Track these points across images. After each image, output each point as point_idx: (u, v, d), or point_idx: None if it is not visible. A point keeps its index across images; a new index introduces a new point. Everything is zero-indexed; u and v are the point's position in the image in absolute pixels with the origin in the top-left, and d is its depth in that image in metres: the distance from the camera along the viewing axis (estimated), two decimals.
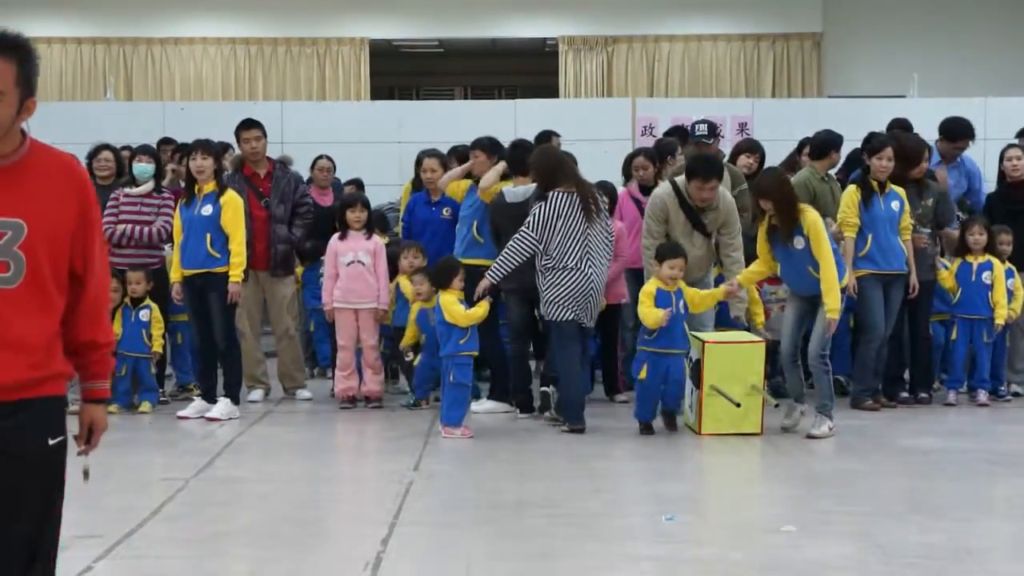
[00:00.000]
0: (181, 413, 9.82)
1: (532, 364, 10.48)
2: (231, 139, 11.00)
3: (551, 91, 21.01)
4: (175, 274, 9.85)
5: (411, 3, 20.80)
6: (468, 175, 10.39)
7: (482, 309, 9.09)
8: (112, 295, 8.98)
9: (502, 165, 10.06)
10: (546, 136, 11.37)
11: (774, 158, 11.69)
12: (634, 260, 10.20)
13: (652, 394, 8.99)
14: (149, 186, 10.48)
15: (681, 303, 9.02)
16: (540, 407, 9.71)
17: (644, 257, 9.69)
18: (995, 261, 10.42)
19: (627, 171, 11.47)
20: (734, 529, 6.72)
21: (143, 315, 10.08)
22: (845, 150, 11.19)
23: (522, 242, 9.12)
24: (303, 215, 10.67)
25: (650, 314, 8.90)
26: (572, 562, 5.96)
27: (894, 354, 10.27)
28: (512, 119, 14.46)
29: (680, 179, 9.70)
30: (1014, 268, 10.48)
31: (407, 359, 10.21)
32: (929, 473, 8.05)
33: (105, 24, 20.77)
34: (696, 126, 10.61)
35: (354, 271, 10.19)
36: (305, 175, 11.84)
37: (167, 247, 10.39)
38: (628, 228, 10.40)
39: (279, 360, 10.82)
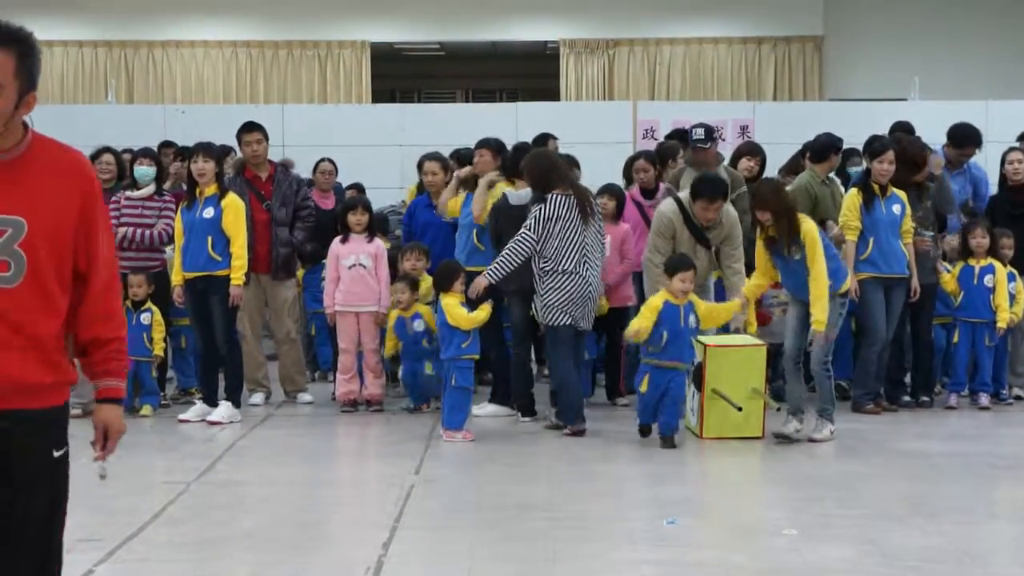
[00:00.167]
0: (182, 416, 9.83)
1: (534, 368, 10.48)
2: (232, 142, 11.00)
3: (552, 94, 21.01)
4: (176, 277, 9.85)
5: (412, 6, 20.81)
6: (465, 182, 10.37)
7: (484, 312, 9.09)
8: None
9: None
10: (543, 138, 11.39)
11: (775, 161, 11.69)
12: (637, 264, 10.20)
13: (650, 407, 8.83)
14: (150, 189, 10.48)
15: (691, 317, 8.83)
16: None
17: (649, 273, 9.63)
18: (997, 264, 10.41)
19: (628, 174, 11.47)
20: (735, 532, 6.71)
21: (144, 318, 10.08)
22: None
23: (522, 244, 9.11)
24: (305, 218, 10.67)
25: (636, 323, 8.84)
26: (573, 565, 5.95)
27: (895, 357, 10.27)
28: (513, 122, 14.47)
29: (684, 195, 9.67)
30: (1015, 272, 10.48)
31: None
32: (930, 476, 8.04)
33: (106, 27, 20.78)
34: (693, 130, 10.59)
35: (355, 274, 10.20)
36: (307, 178, 11.82)
37: (168, 249, 10.39)
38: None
39: (280, 363, 10.82)
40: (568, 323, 9.12)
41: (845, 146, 11.12)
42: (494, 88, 24.44)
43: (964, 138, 11.17)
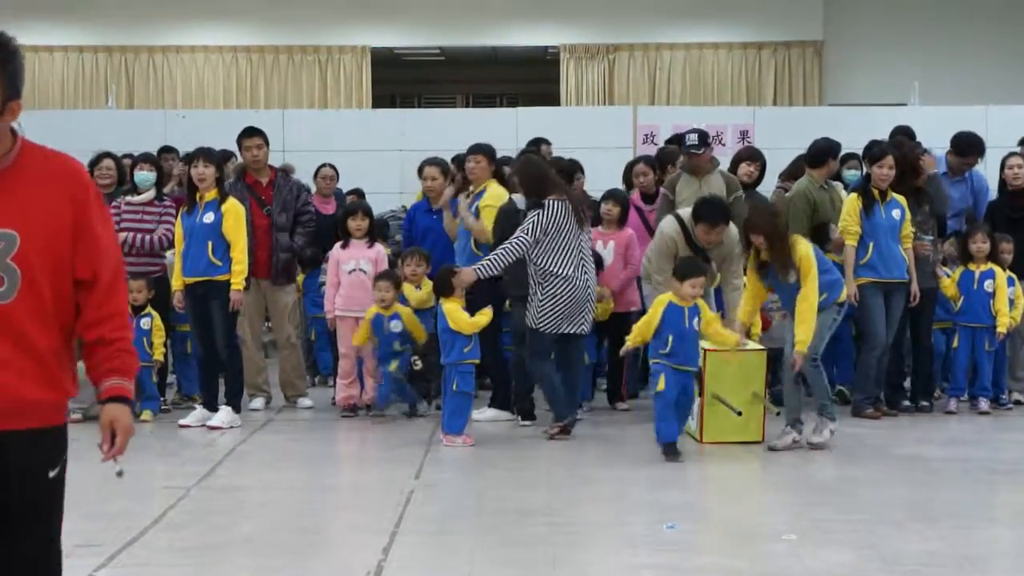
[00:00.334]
0: (182, 421, 9.83)
1: None
2: (233, 147, 11.00)
3: (552, 99, 21.03)
4: (176, 282, 9.85)
5: (413, 11, 20.82)
6: (464, 184, 10.35)
7: (486, 317, 9.10)
8: None
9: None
10: (536, 143, 11.39)
11: (775, 166, 11.70)
12: (639, 269, 10.21)
13: (672, 409, 8.43)
14: (150, 194, 10.48)
15: (696, 320, 8.61)
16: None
17: (650, 287, 9.59)
18: (997, 269, 10.41)
19: (628, 179, 11.48)
20: (735, 537, 6.72)
21: (144, 323, 10.08)
22: None
23: (517, 245, 9.13)
24: (305, 223, 10.67)
25: (637, 326, 8.78)
26: (573, 570, 5.96)
27: (895, 362, 10.27)
28: (514, 127, 14.49)
29: (685, 214, 9.64)
30: (1015, 276, 10.48)
31: (415, 367, 10.19)
32: (930, 481, 8.04)
33: (107, 32, 20.79)
34: (687, 136, 10.54)
35: (356, 279, 10.22)
36: (307, 183, 11.83)
37: (168, 254, 10.39)
38: None
39: (280, 368, 10.82)
40: (554, 332, 9.14)
41: (845, 151, 11.13)
42: (494, 93, 24.46)
43: (968, 146, 11.18)
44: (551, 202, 9.17)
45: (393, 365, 9.87)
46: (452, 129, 14.35)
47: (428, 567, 6.11)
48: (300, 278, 11.40)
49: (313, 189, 12.10)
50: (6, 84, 3.40)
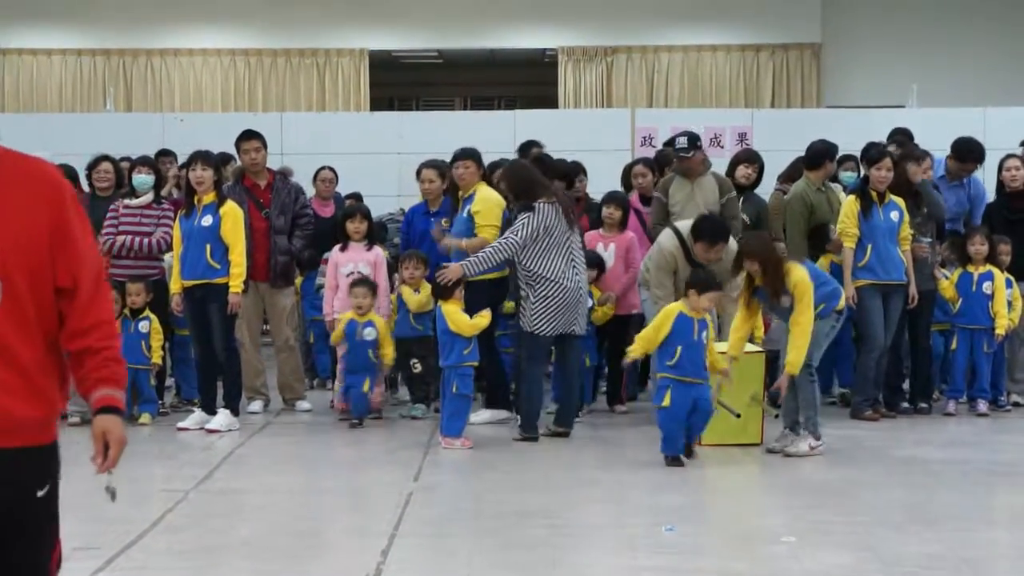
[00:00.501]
0: (181, 425, 9.82)
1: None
2: (231, 150, 11.01)
3: (550, 102, 21.04)
4: (175, 285, 9.84)
5: (411, 14, 20.83)
6: (454, 187, 10.31)
7: (485, 319, 9.10)
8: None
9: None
10: (528, 146, 11.39)
11: (773, 169, 11.69)
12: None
13: (679, 424, 8.30)
14: (149, 197, 10.47)
15: (704, 333, 8.42)
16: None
17: (651, 306, 9.54)
18: (995, 271, 10.41)
19: (626, 181, 11.48)
20: (734, 540, 6.72)
21: (142, 326, 10.06)
22: None
23: (507, 246, 9.15)
24: (303, 226, 10.67)
25: (643, 334, 8.70)
26: (572, 573, 5.95)
27: (894, 364, 10.27)
28: (512, 129, 14.49)
29: (684, 228, 9.61)
30: (1012, 278, 10.48)
31: (415, 370, 10.19)
32: (929, 483, 8.05)
33: (105, 35, 20.79)
34: (676, 139, 10.51)
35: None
36: (305, 186, 11.82)
37: (167, 257, 10.38)
38: None
39: (279, 371, 10.81)
40: (550, 334, 9.14)
41: (843, 153, 11.13)
42: (492, 96, 24.45)
43: (968, 152, 11.15)
44: (541, 205, 9.17)
45: (366, 384, 9.79)
46: (450, 132, 14.34)
47: (427, 570, 6.11)
48: (298, 281, 11.40)
49: (312, 192, 12.09)
50: None
